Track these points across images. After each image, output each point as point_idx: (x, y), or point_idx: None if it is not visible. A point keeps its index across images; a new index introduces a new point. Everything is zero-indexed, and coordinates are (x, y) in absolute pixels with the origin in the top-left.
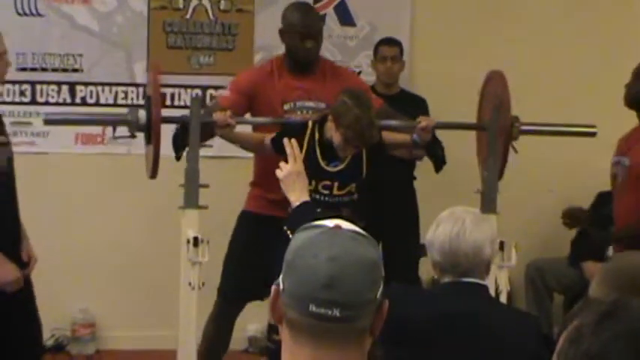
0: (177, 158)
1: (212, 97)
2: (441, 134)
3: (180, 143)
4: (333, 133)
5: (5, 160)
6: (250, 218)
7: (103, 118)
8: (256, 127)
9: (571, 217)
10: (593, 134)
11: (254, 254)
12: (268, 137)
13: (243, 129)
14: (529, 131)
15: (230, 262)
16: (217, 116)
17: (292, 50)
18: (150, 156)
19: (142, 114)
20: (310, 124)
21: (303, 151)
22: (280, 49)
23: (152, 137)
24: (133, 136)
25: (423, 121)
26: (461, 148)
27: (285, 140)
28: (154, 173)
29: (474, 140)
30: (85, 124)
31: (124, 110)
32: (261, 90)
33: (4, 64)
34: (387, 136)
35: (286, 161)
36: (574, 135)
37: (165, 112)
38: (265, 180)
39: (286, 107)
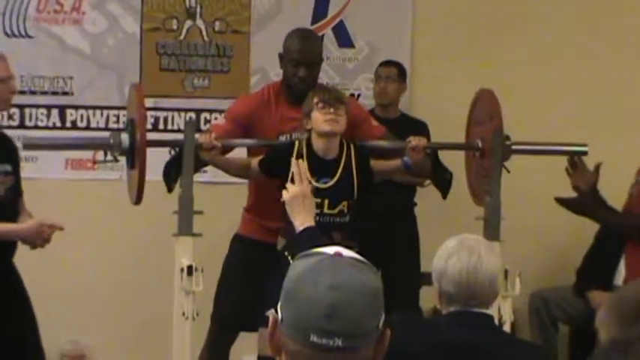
0: (170, 190)
1: (207, 122)
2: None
3: (173, 174)
4: (312, 124)
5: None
6: (243, 243)
7: (83, 142)
8: (250, 152)
9: (573, 165)
10: (584, 153)
11: (247, 280)
12: (255, 160)
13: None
14: (520, 151)
15: (223, 289)
16: (202, 138)
17: (288, 78)
18: (134, 182)
19: (124, 137)
20: (297, 142)
21: (291, 170)
22: (277, 72)
23: (137, 162)
24: (115, 160)
25: (413, 141)
26: (462, 173)
27: (293, 161)
28: (138, 199)
29: None
30: (65, 148)
31: (107, 134)
32: (257, 120)
33: (8, 89)
34: (376, 164)
35: (282, 185)
36: (565, 154)
37: (158, 137)
38: (260, 207)
39: (282, 138)
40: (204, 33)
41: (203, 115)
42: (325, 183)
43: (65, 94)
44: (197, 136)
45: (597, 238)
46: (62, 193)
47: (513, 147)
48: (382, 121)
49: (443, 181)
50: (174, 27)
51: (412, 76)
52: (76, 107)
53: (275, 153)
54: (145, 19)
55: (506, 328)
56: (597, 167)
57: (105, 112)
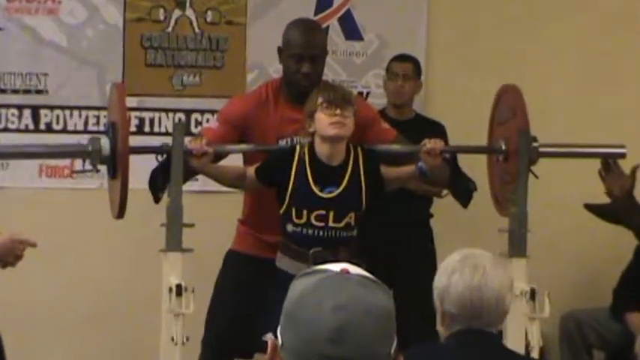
0: (157, 201)
1: (198, 124)
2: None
3: (160, 183)
4: (316, 126)
5: None
6: (238, 259)
7: (58, 150)
8: (246, 160)
9: (607, 168)
10: (622, 155)
11: (242, 300)
12: (252, 168)
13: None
14: (550, 153)
15: (215, 310)
16: (192, 144)
17: (289, 74)
18: (116, 193)
19: (104, 143)
20: (298, 147)
21: (292, 177)
22: (277, 68)
23: (119, 171)
24: (95, 170)
25: (428, 143)
26: (483, 175)
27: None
28: (120, 213)
29: None
30: (38, 157)
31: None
32: (254, 122)
33: None
34: (388, 171)
35: (276, 193)
36: (600, 156)
37: (143, 141)
38: (257, 219)
39: (282, 143)
40: (194, 24)
41: (194, 116)
42: (330, 192)
43: (39, 92)
44: (186, 140)
45: (637, 252)
46: (36, 203)
47: (541, 149)
48: (395, 122)
49: (464, 190)
50: (161, 17)
51: (427, 73)
52: (51, 107)
53: (274, 159)
54: (129, 8)
55: (535, 353)
56: (634, 170)
57: (84, 112)
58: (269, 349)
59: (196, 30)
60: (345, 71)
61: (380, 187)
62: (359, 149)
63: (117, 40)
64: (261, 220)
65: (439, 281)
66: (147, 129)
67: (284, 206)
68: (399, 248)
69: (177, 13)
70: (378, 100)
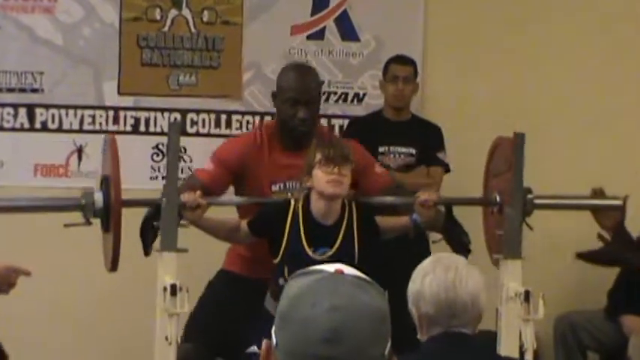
0: (146, 254)
1: (193, 124)
2: (456, 161)
3: (150, 238)
4: (313, 182)
5: None
6: (227, 275)
7: (51, 204)
8: (239, 209)
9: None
10: (618, 207)
11: (229, 312)
12: (245, 221)
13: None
14: (545, 205)
15: (198, 315)
16: (186, 197)
17: (284, 119)
18: (109, 246)
19: (98, 197)
20: (292, 201)
21: (285, 234)
22: (273, 68)
23: (112, 224)
24: (88, 223)
25: (422, 195)
26: (479, 177)
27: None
28: (113, 266)
29: None
30: (30, 211)
31: (77, 185)
32: (247, 166)
33: None
34: (382, 222)
35: (268, 245)
36: (597, 209)
37: (139, 140)
38: (248, 258)
39: (274, 189)
40: (190, 24)
41: (189, 116)
42: (323, 254)
43: (34, 91)
44: (182, 196)
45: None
46: None
47: (536, 201)
48: (392, 123)
49: (457, 242)
50: (158, 17)
51: (424, 74)
52: (47, 106)
53: (267, 214)
54: (125, 7)
55: (529, 356)
56: (624, 201)
57: (79, 111)
58: (263, 350)
59: (192, 30)
60: (341, 72)
61: (376, 239)
62: (353, 205)
63: (113, 40)
64: (252, 257)
65: (412, 286)
66: (142, 128)
67: (277, 260)
68: (393, 257)
69: (173, 12)
70: (375, 100)
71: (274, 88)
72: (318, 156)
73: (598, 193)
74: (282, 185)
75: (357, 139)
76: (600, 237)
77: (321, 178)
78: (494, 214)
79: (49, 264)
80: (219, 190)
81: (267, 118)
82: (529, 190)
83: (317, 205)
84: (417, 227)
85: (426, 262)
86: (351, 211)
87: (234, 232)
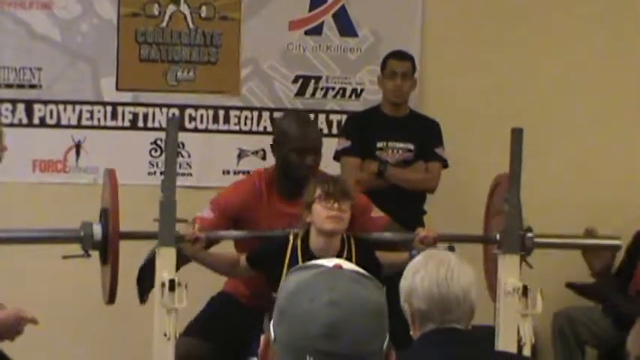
0: (142, 301)
1: (192, 119)
2: (454, 157)
3: (146, 286)
4: (313, 218)
5: None
6: (231, 299)
7: (49, 235)
8: (237, 246)
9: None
10: (617, 248)
11: (222, 329)
12: (244, 256)
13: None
14: (545, 244)
15: (200, 317)
16: (185, 230)
17: (289, 167)
18: (107, 278)
19: (96, 229)
20: (291, 236)
21: (284, 270)
22: (270, 64)
23: (109, 257)
24: (87, 255)
25: (421, 232)
26: (478, 172)
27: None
28: (111, 299)
29: (493, 165)
30: (28, 242)
31: (77, 217)
32: (246, 214)
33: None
34: (382, 256)
35: (266, 279)
36: (596, 248)
37: (137, 135)
38: (247, 287)
39: None
40: (189, 19)
41: (187, 112)
42: None
43: (33, 87)
44: (181, 229)
45: (629, 251)
46: (29, 197)
47: (536, 240)
48: (390, 119)
49: None
50: (156, 12)
51: (422, 69)
52: (45, 102)
53: (266, 249)
54: (123, 3)
55: (527, 350)
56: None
57: (77, 107)
58: (262, 344)
59: (190, 25)
60: (339, 67)
61: (377, 274)
62: (352, 240)
63: (111, 35)
64: (251, 294)
65: (404, 283)
66: (140, 124)
67: (275, 294)
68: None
69: (171, 8)
70: (373, 96)
71: (272, 83)
72: (318, 191)
73: (591, 232)
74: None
75: (354, 134)
76: (589, 266)
77: (321, 214)
78: (496, 252)
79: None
80: (217, 240)
81: (265, 113)
82: (529, 229)
83: (316, 241)
84: None
85: (417, 259)
86: (350, 246)
87: (233, 267)
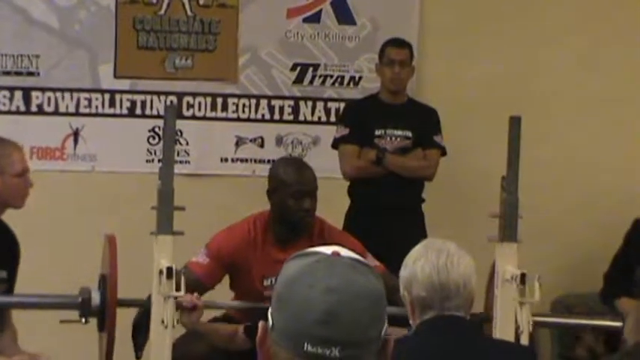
0: (138, 357)
1: (189, 107)
2: (452, 145)
3: (141, 341)
4: None
5: None
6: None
7: (48, 302)
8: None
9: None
10: (618, 329)
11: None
12: (241, 327)
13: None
14: (544, 324)
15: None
16: (183, 298)
17: (286, 212)
18: (103, 345)
19: (95, 296)
20: None
21: None
22: (268, 51)
23: (107, 324)
24: (85, 322)
25: None
26: (476, 160)
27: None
28: None
29: (491, 153)
30: (27, 308)
31: (74, 286)
32: (240, 260)
33: (25, 183)
34: None
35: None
36: (597, 329)
37: (135, 123)
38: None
39: (266, 283)
40: (187, 7)
41: (185, 99)
42: None
43: (30, 74)
44: (179, 297)
45: (627, 238)
46: None
47: (536, 319)
48: (388, 107)
49: None
50: (154, 0)
51: (420, 56)
52: (43, 89)
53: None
54: None
55: (524, 338)
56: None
57: (75, 95)
58: (260, 331)
59: (189, 13)
60: (337, 55)
61: None
62: None
63: (109, 23)
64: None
65: (404, 271)
66: (138, 112)
67: None
68: (388, 233)
69: None
70: (371, 84)
71: (270, 71)
72: None
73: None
74: (273, 279)
75: (353, 122)
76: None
77: None
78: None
79: (49, 246)
80: (212, 284)
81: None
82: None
83: None
84: None
85: (417, 248)
86: None
87: (231, 339)
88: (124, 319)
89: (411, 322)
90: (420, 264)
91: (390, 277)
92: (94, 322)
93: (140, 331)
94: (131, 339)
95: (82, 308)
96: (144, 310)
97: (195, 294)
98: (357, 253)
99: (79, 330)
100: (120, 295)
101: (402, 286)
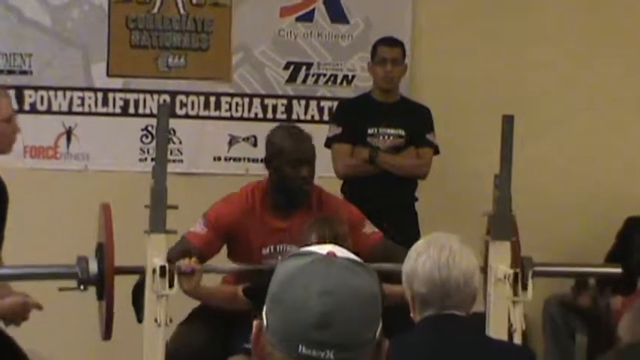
0: (139, 320)
1: (182, 106)
2: (445, 143)
3: (143, 303)
4: None
5: None
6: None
7: (45, 272)
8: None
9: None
10: (617, 275)
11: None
12: (240, 288)
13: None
14: (543, 273)
15: (183, 329)
16: (180, 263)
17: (284, 180)
18: (102, 314)
19: (92, 265)
20: None
21: None
22: (262, 50)
23: (105, 292)
24: (83, 289)
25: None
26: (469, 158)
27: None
28: (107, 334)
29: (484, 151)
30: (24, 279)
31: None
32: (239, 229)
33: (13, 129)
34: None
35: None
36: (595, 276)
37: (128, 121)
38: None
39: (265, 252)
40: (180, 5)
41: (178, 98)
42: None
43: (23, 73)
44: (177, 263)
45: (620, 236)
46: (19, 184)
47: (536, 269)
48: (381, 105)
49: None
50: None
51: (413, 55)
52: (36, 88)
53: (261, 281)
54: None
55: (517, 337)
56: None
57: (68, 93)
58: (254, 330)
59: (182, 11)
60: (330, 54)
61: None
62: None
63: (102, 21)
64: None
65: (406, 265)
66: (131, 110)
67: None
68: (384, 233)
69: None
70: (364, 82)
71: (263, 70)
72: (314, 236)
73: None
74: (272, 248)
75: (345, 120)
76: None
77: None
78: None
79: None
80: (211, 254)
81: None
82: (530, 260)
83: None
84: None
85: (420, 242)
86: None
87: (232, 300)
88: (125, 287)
89: (411, 315)
90: (421, 260)
91: (388, 244)
92: (93, 292)
93: (141, 295)
94: (132, 305)
95: (80, 277)
96: (144, 276)
97: (194, 258)
98: (357, 221)
99: (78, 300)
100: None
101: (404, 279)
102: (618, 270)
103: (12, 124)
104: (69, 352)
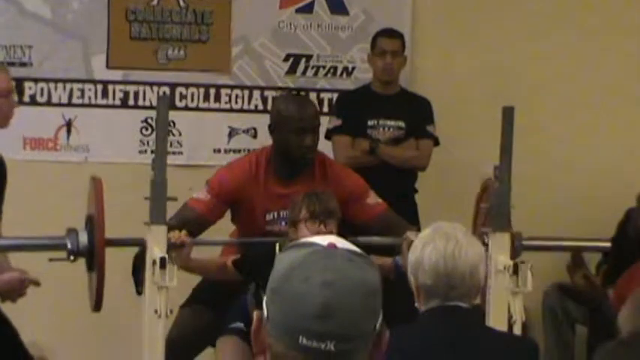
0: (139, 292)
1: (182, 98)
2: (445, 135)
3: (142, 275)
4: (298, 236)
5: None
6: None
7: (35, 243)
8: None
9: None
10: (607, 249)
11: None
12: (230, 260)
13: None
14: (535, 247)
15: (184, 314)
16: (170, 234)
17: (287, 148)
18: (93, 286)
19: (82, 237)
20: (277, 247)
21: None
22: (261, 42)
23: (96, 264)
24: (73, 260)
25: (410, 236)
26: (469, 150)
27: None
28: (97, 306)
29: (484, 142)
30: (15, 250)
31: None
32: (242, 196)
33: (10, 104)
34: None
35: (260, 288)
36: (588, 250)
37: (128, 113)
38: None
39: (268, 217)
40: None
41: (178, 90)
42: None
43: (23, 65)
44: (167, 234)
45: (619, 228)
46: (19, 176)
47: (525, 243)
48: (381, 97)
49: None
50: None
51: (413, 47)
52: (36, 80)
53: (252, 257)
54: None
55: (517, 328)
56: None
57: (68, 85)
58: (254, 321)
59: (181, 3)
60: (329, 46)
61: None
62: None
63: (102, 13)
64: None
65: (412, 255)
66: (131, 102)
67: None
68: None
69: None
70: (363, 74)
71: (263, 61)
72: (304, 212)
73: (577, 260)
74: (275, 214)
75: (345, 112)
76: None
77: (306, 235)
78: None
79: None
80: (214, 219)
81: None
82: (519, 234)
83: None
84: (399, 270)
85: (427, 232)
86: None
87: (223, 271)
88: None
89: (417, 304)
90: (427, 251)
91: (391, 216)
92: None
93: (141, 266)
94: (131, 276)
95: (70, 249)
96: (143, 247)
97: (184, 231)
98: (361, 191)
99: (69, 273)
100: None
101: (409, 269)
102: (607, 244)
103: (9, 99)
104: (63, 327)
